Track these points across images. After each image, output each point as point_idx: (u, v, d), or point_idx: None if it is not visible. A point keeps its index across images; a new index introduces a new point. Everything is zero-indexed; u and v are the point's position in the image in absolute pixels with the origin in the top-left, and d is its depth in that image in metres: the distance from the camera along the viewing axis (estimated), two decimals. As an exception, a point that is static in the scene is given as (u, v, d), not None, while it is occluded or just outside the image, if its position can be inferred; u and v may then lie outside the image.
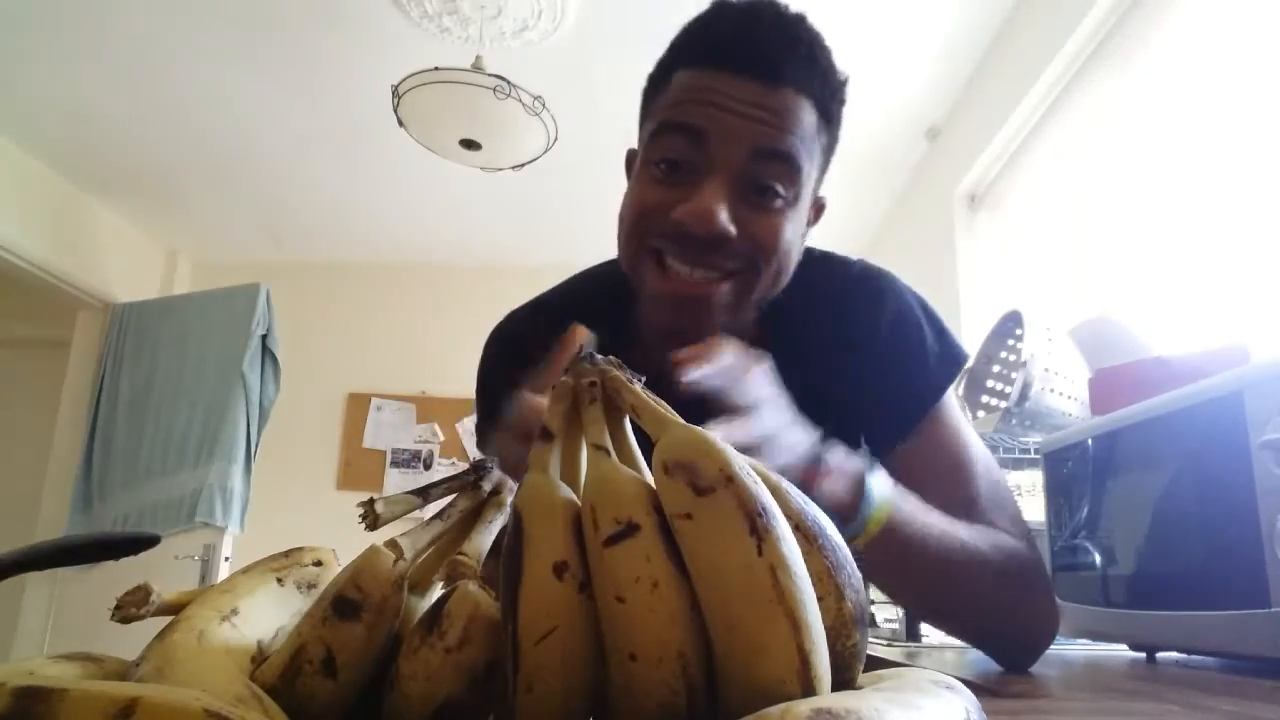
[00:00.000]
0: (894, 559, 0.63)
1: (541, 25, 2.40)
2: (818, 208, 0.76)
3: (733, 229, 0.66)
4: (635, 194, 0.71)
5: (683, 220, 0.66)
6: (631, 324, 0.78)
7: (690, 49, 0.70)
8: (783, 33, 0.68)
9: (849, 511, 0.60)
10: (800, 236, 0.72)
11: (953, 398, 0.77)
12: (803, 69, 0.67)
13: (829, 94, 0.69)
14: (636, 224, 0.70)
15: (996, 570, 0.67)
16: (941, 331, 0.78)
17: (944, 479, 0.74)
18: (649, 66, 0.75)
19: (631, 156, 0.78)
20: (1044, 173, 2.33)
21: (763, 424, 0.56)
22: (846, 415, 0.77)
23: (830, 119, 0.70)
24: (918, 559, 0.63)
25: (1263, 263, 1.48)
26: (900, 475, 0.78)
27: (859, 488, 0.61)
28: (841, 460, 0.61)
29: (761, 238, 0.67)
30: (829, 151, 0.73)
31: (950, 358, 0.77)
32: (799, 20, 0.69)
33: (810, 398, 0.77)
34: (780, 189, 0.67)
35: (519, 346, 0.87)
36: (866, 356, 0.76)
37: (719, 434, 0.30)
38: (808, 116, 0.67)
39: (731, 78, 0.66)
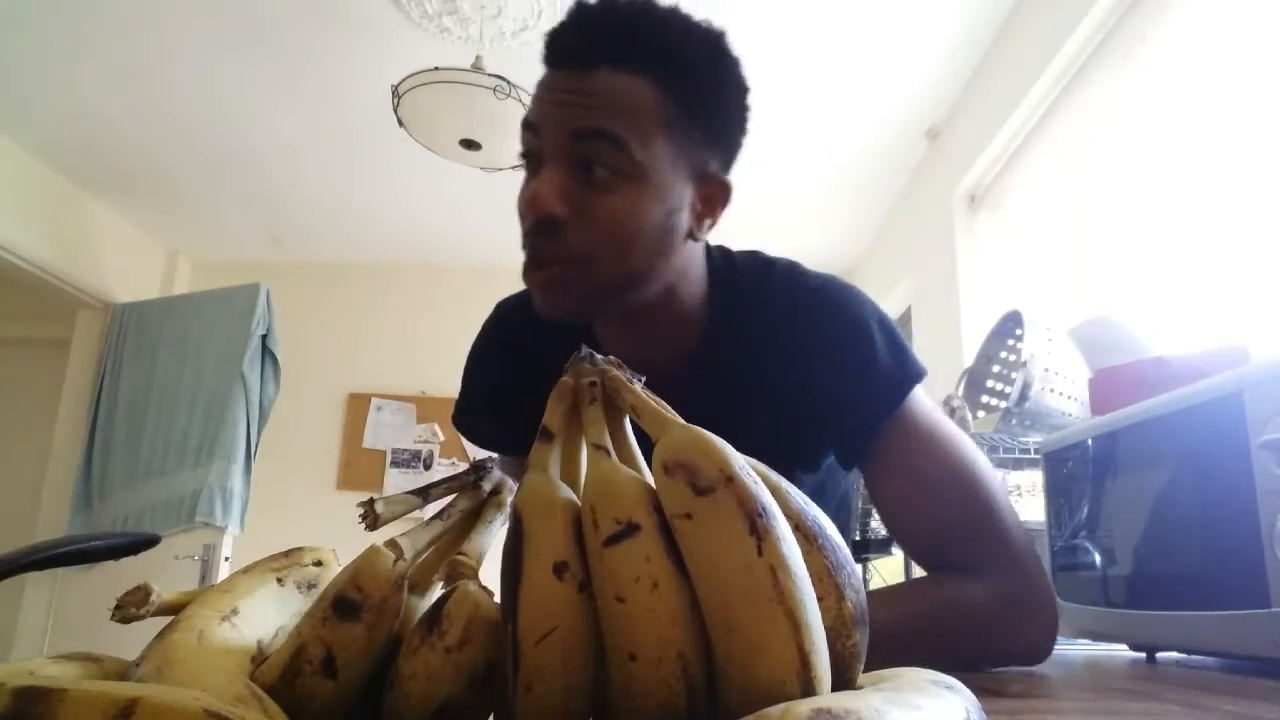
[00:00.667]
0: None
1: (541, 25, 2.40)
2: (719, 186, 0.74)
3: (560, 209, 0.67)
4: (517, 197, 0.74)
5: (520, 211, 0.70)
6: (587, 323, 0.80)
7: (545, 51, 0.73)
8: (595, 15, 0.69)
9: None
10: (665, 215, 0.70)
11: (924, 413, 0.75)
12: (617, 46, 0.68)
13: (676, 68, 0.69)
14: (521, 223, 0.73)
15: (945, 636, 0.66)
16: (898, 346, 0.76)
17: (909, 500, 0.73)
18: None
19: None
20: (1044, 173, 2.33)
21: None
22: (804, 426, 0.78)
23: (681, 91, 0.69)
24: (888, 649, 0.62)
25: (1263, 263, 1.48)
26: (874, 496, 0.78)
27: None
28: None
29: (600, 217, 0.68)
30: (697, 125, 0.70)
31: (904, 370, 0.75)
32: (630, 5, 0.70)
33: (766, 407, 0.78)
34: (607, 164, 0.68)
35: (501, 335, 0.90)
36: (818, 367, 0.76)
37: None
38: (633, 90, 0.67)
39: (553, 71, 0.71)
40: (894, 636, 0.62)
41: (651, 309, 0.76)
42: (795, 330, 0.77)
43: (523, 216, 0.71)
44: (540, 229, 0.68)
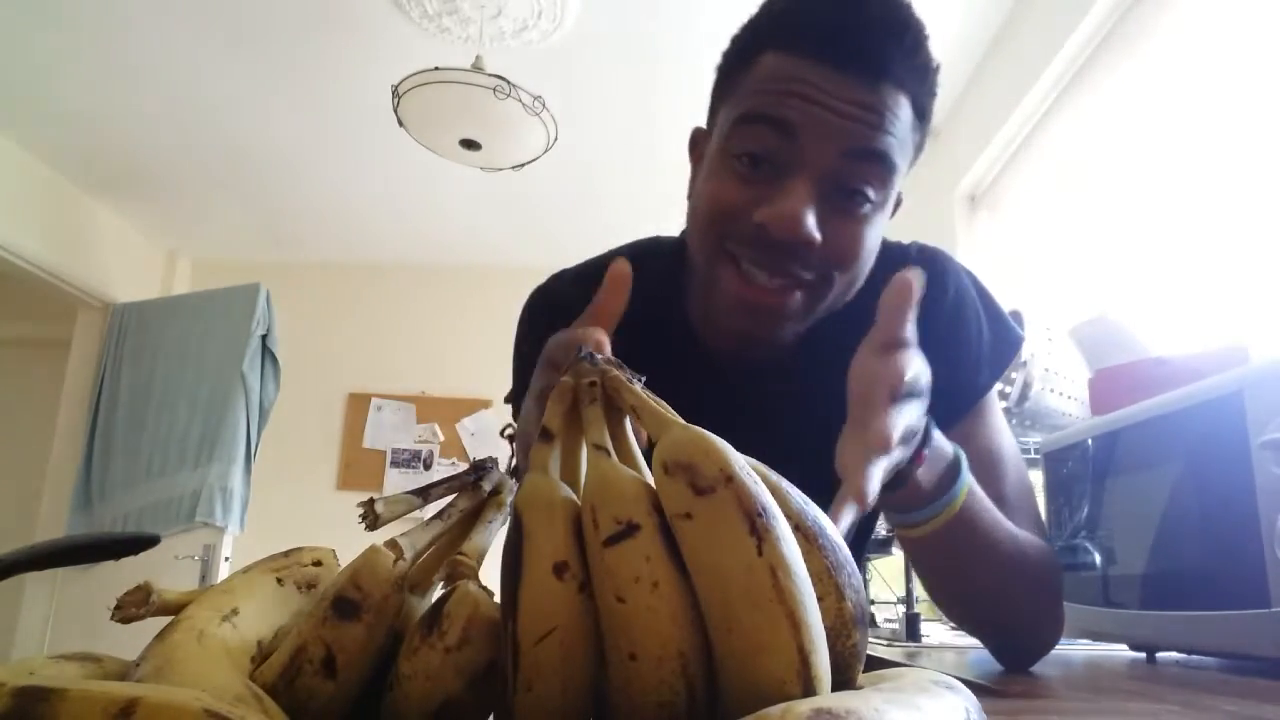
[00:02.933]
0: (960, 539, 0.62)
1: (541, 25, 2.40)
2: (897, 203, 0.72)
3: (818, 235, 0.61)
4: (713, 187, 0.66)
5: (766, 224, 0.61)
6: (679, 305, 0.76)
7: (781, 32, 0.64)
8: (888, 22, 0.62)
9: (942, 487, 0.59)
10: (879, 239, 0.68)
11: (994, 393, 0.77)
12: (905, 63, 0.61)
13: (927, 89, 0.64)
14: (714, 222, 0.65)
15: (1031, 567, 0.67)
16: (996, 316, 0.76)
17: (977, 470, 0.73)
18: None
19: (698, 135, 0.73)
20: (1044, 173, 2.33)
21: (915, 371, 0.55)
22: None
23: (925, 115, 0.65)
24: (980, 541, 0.63)
25: (1263, 263, 1.48)
26: None
27: (954, 467, 0.60)
28: (940, 438, 0.60)
29: (844, 245, 0.63)
30: (920, 149, 0.68)
31: (1004, 346, 0.76)
32: (905, 8, 0.63)
33: None
34: (871, 193, 0.62)
35: (559, 310, 0.84)
36: (924, 342, 0.75)
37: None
38: (905, 114, 0.62)
39: (828, 70, 0.60)
40: (1000, 527, 0.64)
41: None
42: None
43: (734, 223, 0.64)
44: (786, 248, 0.62)
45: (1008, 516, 0.71)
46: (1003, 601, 0.70)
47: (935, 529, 0.60)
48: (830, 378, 0.75)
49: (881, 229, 0.68)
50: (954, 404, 0.74)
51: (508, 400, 0.88)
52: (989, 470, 0.73)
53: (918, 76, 0.63)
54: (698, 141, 0.73)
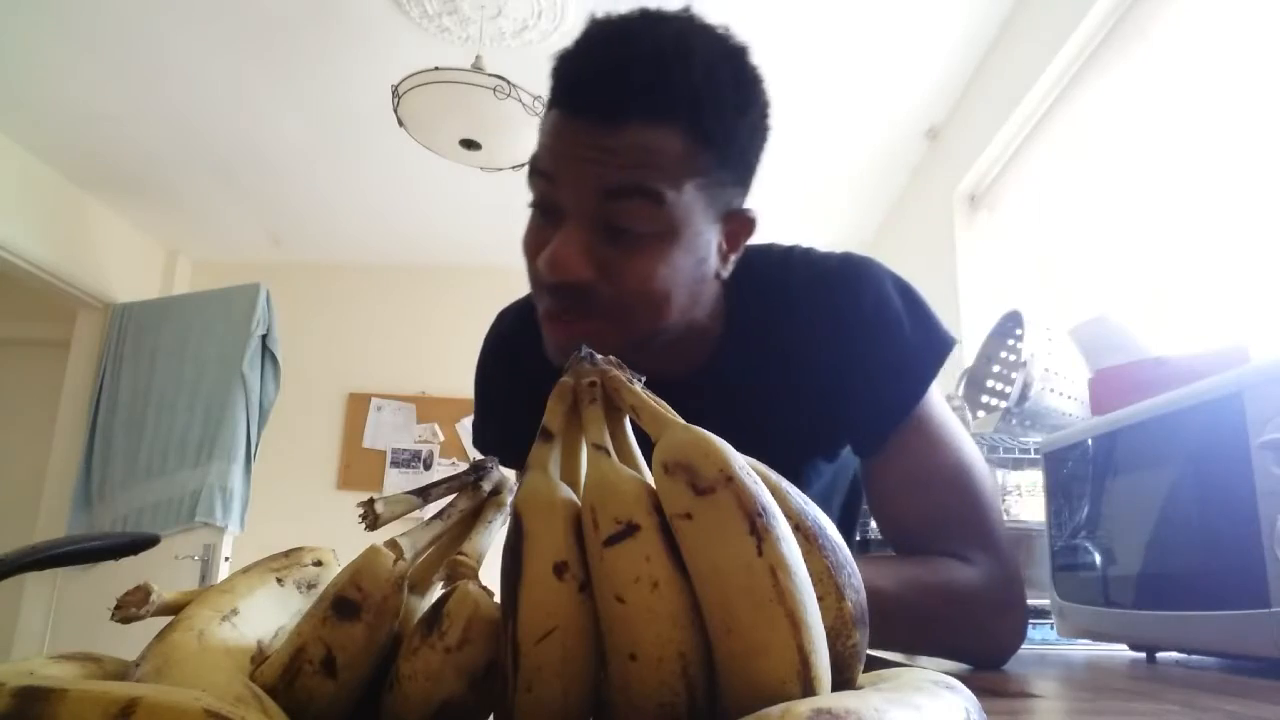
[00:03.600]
0: None
1: (541, 25, 2.41)
2: (744, 222, 0.72)
3: (586, 273, 0.64)
4: (524, 236, 0.70)
5: (542, 270, 0.65)
6: None
7: (553, 88, 0.67)
8: (617, 63, 0.62)
9: None
10: (695, 264, 0.68)
11: (935, 396, 0.75)
12: (645, 97, 0.62)
13: (707, 110, 0.63)
14: (529, 269, 0.69)
15: (919, 614, 0.65)
16: (922, 318, 0.75)
17: (908, 490, 0.73)
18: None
19: None
20: (1044, 173, 2.33)
21: None
22: (828, 416, 0.76)
23: (712, 136, 0.64)
24: None
25: (1263, 263, 1.48)
26: (868, 484, 0.77)
27: None
28: None
29: (630, 281, 0.65)
30: (727, 167, 0.67)
31: (931, 349, 0.74)
32: (648, 38, 0.63)
33: (788, 402, 0.76)
34: (639, 227, 0.64)
35: (512, 349, 0.87)
36: (845, 354, 0.73)
37: None
38: (666, 143, 0.62)
39: (574, 119, 0.64)
40: (883, 598, 0.62)
41: (670, 338, 0.73)
42: (821, 318, 0.74)
43: (535, 271, 0.67)
44: (564, 290, 0.65)
45: (940, 539, 0.70)
46: (905, 648, 0.70)
47: None
48: (747, 398, 0.76)
49: (689, 258, 0.67)
50: (881, 418, 0.73)
51: (475, 444, 0.91)
52: (922, 494, 0.72)
53: (678, 103, 0.63)
54: None
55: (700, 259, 0.68)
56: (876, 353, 0.73)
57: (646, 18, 0.65)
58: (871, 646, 0.69)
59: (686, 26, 0.66)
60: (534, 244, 0.68)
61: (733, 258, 0.73)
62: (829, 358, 0.74)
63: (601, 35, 0.65)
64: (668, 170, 0.63)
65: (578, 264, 0.64)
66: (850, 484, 0.93)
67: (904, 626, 0.65)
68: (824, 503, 0.87)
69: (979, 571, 0.69)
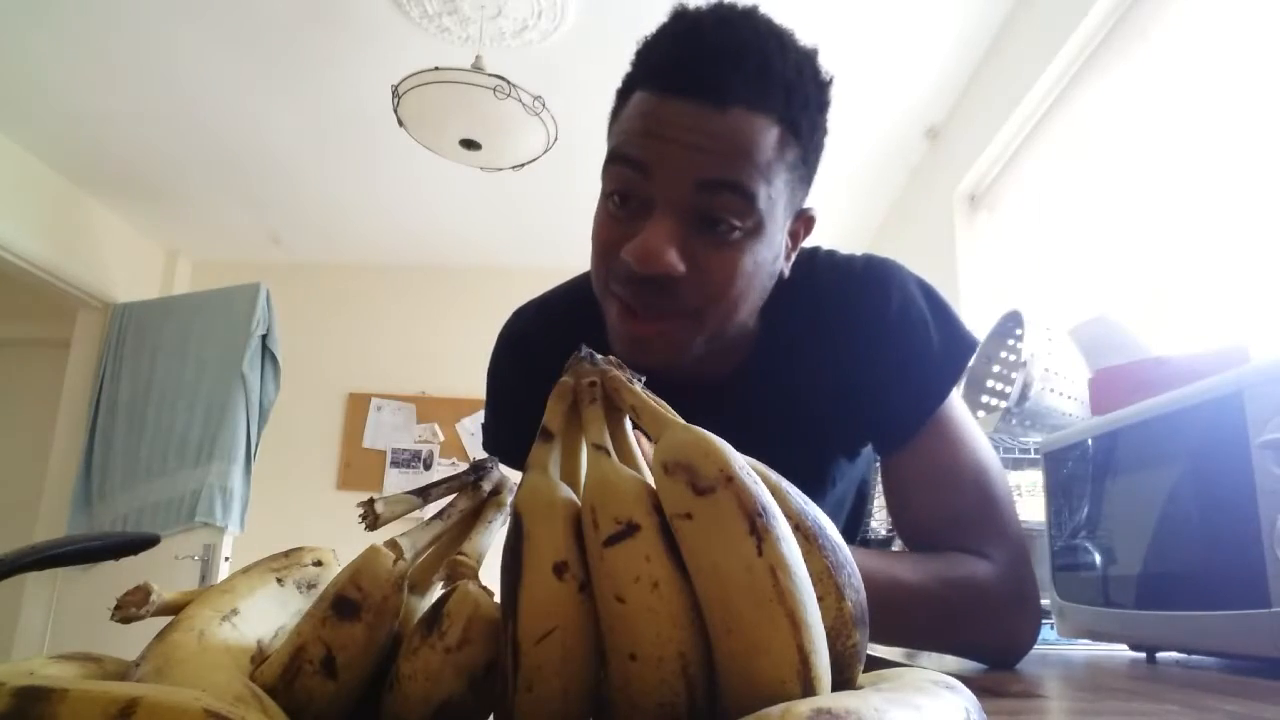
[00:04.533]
0: None
1: (541, 25, 2.40)
2: (806, 221, 0.73)
3: (680, 267, 0.62)
4: (595, 227, 0.68)
5: (629, 259, 0.63)
6: None
7: (641, 69, 0.66)
8: (727, 48, 0.62)
9: None
10: (771, 261, 0.68)
11: (954, 396, 0.76)
12: (754, 85, 0.61)
13: (797, 104, 0.63)
14: (598, 262, 0.68)
15: (942, 606, 0.66)
16: (947, 322, 0.76)
17: (928, 491, 0.73)
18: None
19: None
20: (1044, 173, 2.33)
21: None
22: (853, 416, 0.77)
23: (800, 131, 0.64)
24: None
25: (1263, 263, 1.48)
26: (887, 480, 0.78)
27: None
28: None
29: (715, 274, 0.64)
30: (806, 164, 0.67)
31: (956, 353, 0.75)
32: (750, 30, 0.63)
33: (815, 398, 0.77)
34: (735, 221, 0.62)
35: (527, 349, 0.85)
36: (872, 355, 0.74)
37: None
38: (764, 136, 0.62)
39: (675, 103, 0.61)
40: (907, 591, 0.63)
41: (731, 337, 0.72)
42: (848, 320, 0.75)
43: (611, 263, 0.65)
44: (650, 283, 0.63)
45: (957, 537, 0.70)
46: (917, 640, 0.70)
47: None
48: (778, 401, 0.76)
49: (766, 253, 0.67)
50: (907, 417, 0.74)
51: (485, 447, 0.89)
52: (941, 485, 0.72)
53: (776, 95, 0.62)
54: None
55: (776, 255, 0.69)
56: (903, 354, 0.74)
57: (731, 8, 0.65)
58: (892, 637, 0.70)
59: (770, 21, 0.66)
60: (611, 236, 0.65)
61: (793, 257, 0.73)
62: (856, 359, 0.75)
63: (699, 20, 0.63)
64: (761, 163, 0.62)
65: (671, 256, 0.62)
66: (858, 485, 0.94)
67: (925, 618, 0.65)
68: (842, 503, 0.88)
69: (997, 568, 0.70)
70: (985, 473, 0.74)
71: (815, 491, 0.83)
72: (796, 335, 0.76)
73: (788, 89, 0.63)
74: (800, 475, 0.83)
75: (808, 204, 0.72)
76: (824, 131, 0.69)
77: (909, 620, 0.65)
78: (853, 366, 0.75)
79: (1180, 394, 0.75)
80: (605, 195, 0.67)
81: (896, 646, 0.77)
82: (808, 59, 0.66)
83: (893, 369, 0.74)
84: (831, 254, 0.81)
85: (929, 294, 0.77)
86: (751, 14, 0.65)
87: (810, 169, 0.69)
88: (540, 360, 0.81)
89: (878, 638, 0.69)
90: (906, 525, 0.77)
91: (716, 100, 0.61)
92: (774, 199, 0.64)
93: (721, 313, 0.66)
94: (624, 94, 0.68)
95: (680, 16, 0.65)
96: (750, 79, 0.61)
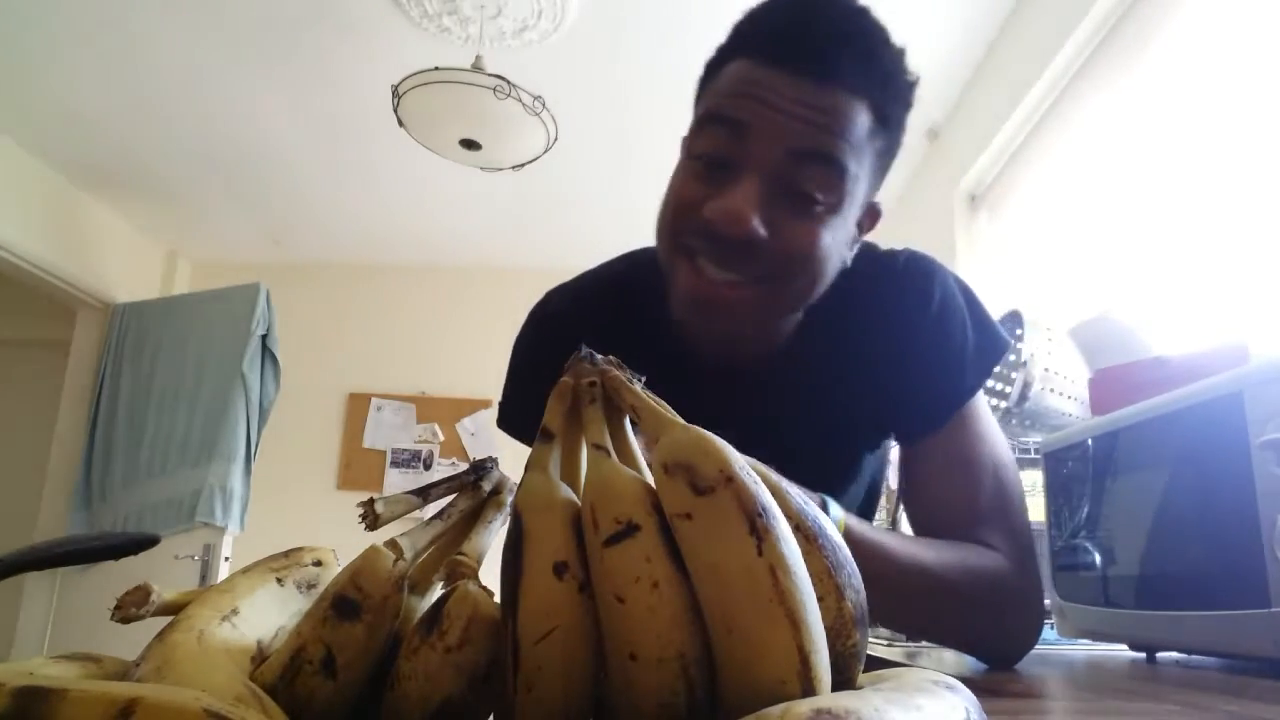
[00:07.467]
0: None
1: (541, 25, 2.40)
2: (872, 215, 0.74)
3: (763, 231, 0.62)
4: (674, 186, 0.68)
5: (712, 219, 0.63)
6: (667, 313, 0.76)
7: (744, 38, 0.66)
8: (839, 28, 0.63)
9: None
10: (845, 245, 0.69)
11: (981, 399, 0.77)
12: (858, 68, 0.62)
13: (889, 96, 0.65)
14: (673, 219, 0.67)
15: (961, 595, 0.67)
16: (982, 322, 0.77)
17: (947, 480, 0.74)
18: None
19: (684, 144, 0.76)
20: (1044, 173, 2.33)
21: None
22: (882, 408, 0.78)
23: (889, 123, 0.66)
24: (871, 576, 0.63)
25: (1263, 263, 1.48)
26: (908, 467, 0.79)
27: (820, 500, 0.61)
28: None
29: (796, 244, 0.64)
30: (886, 155, 0.69)
31: (989, 351, 0.77)
32: (860, 15, 0.65)
33: (849, 389, 0.78)
34: (819, 194, 0.63)
35: (558, 329, 0.84)
36: (909, 350, 0.75)
37: None
38: (859, 118, 0.63)
39: (779, 72, 0.62)
40: (928, 575, 0.64)
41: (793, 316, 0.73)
42: (889, 314, 0.76)
43: (688, 219, 0.65)
44: (729, 244, 0.63)
45: (972, 529, 0.71)
46: (932, 627, 0.71)
47: None
48: (814, 390, 0.76)
49: (843, 235, 0.68)
50: (936, 410, 0.75)
51: (500, 423, 0.88)
52: (960, 477, 0.74)
53: (876, 82, 0.64)
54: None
55: (849, 239, 0.69)
56: (941, 350, 0.75)
57: None
58: (901, 619, 0.69)
59: (872, 11, 0.66)
60: (693, 195, 0.65)
61: (856, 247, 0.74)
62: (895, 352, 0.76)
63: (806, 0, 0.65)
64: (854, 141, 0.63)
65: (756, 219, 0.62)
66: (873, 480, 0.95)
67: (939, 603, 0.66)
68: (861, 494, 0.88)
69: (1009, 563, 0.71)
70: (1004, 470, 0.75)
71: (848, 481, 0.84)
72: (835, 325, 0.77)
73: (886, 78, 0.64)
74: (833, 466, 0.82)
75: (877, 198, 0.73)
76: (904, 130, 0.70)
77: (923, 601, 0.66)
78: (890, 359, 0.76)
79: (1180, 394, 0.75)
80: (691, 155, 0.67)
81: (907, 629, 0.77)
82: (903, 56, 0.67)
83: (930, 364, 0.75)
84: (872, 247, 0.81)
85: (967, 293, 0.79)
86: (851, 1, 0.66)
87: (887, 163, 0.70)
88: (567, 345, 0.80)
89: (889, 621, 0.69)
90: (921, 511, 0.78)
91: (820, 76, 0.62)
92: (858, 181, 0.65)
93: (794, 285, 0.67)
94: (716, 65, 0.68)
95: None
96: (856, 61, 0.62)
